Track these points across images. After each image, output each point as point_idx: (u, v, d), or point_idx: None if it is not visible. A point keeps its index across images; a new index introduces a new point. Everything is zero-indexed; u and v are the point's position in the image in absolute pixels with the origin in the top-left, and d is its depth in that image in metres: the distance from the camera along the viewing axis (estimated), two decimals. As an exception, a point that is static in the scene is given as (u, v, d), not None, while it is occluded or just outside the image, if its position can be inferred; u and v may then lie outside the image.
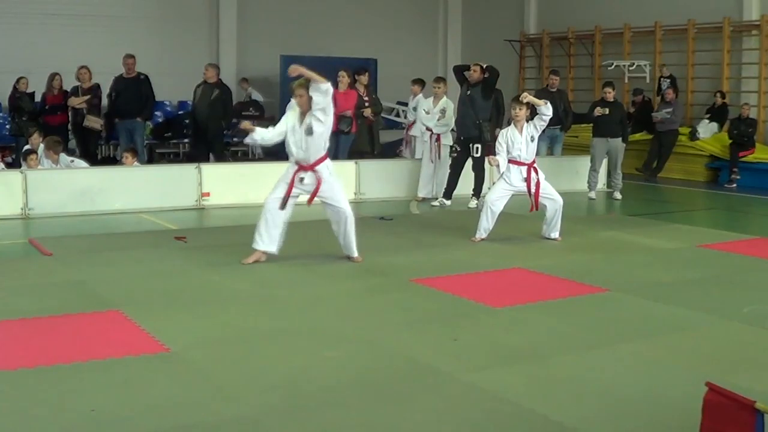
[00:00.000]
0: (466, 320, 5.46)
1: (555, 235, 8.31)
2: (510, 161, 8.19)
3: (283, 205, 6.94)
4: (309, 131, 6.86)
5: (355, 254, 7.19)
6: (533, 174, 8.14)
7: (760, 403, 2.91)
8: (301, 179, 6.96)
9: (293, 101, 7.13)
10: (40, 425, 3.68)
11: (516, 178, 8.17)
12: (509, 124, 8.42)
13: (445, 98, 11.25)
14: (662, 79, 15.11)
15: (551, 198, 8.21)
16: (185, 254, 7.45)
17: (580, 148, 14.39)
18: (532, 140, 8.19)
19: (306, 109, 6.91)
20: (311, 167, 6.95)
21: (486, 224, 8.21)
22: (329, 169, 7.05)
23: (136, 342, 4.86)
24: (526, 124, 8.18)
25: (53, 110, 12.54)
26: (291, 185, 6.95)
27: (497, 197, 8.22)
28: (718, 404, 3.04)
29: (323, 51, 16.98)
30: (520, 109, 8.14)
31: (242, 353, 4.72)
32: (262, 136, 7.00)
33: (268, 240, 6.99)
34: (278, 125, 7.05)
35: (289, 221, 7.09)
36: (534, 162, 8.21)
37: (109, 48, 14.73)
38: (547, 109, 8.09)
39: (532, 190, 8.13)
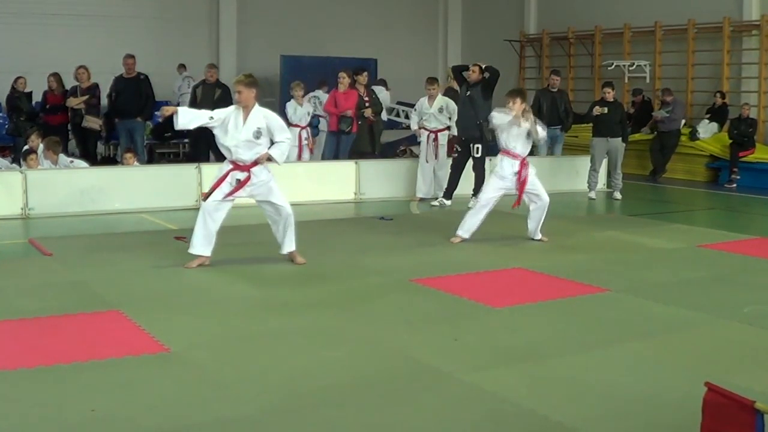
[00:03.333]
0: (466, 320, 5.45)
1: (539, 236, 8.25)
2: (503, 152, 8.14)
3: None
4: (257, 134, 6.71)
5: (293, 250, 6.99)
6: (523, 170, 8.08)
7: (760, 403, 2.91)
8: (237, 180, 6.78)
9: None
10: (40, 425, 3.68)
11: (508, 170, 8.07)
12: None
13: (440, 96, 11.26)
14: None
15: (537, 194, 8.16)
16: (185, 254, 7.43)
17: (580, 148, 14.39)
18: (529, 136, 8.13)
19: (248, 106, 6.74)
20: (248, 168, 6.76)
21: (471, 223, 8.10)
22: (267, 168, 6.83)
23: (136, 342, 4.86)
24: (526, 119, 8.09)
25: (53, 110, 12.53)
26: (222, 182, 6.80)
27: (490, 197, 8.15)
28: (718, 404, 3.04)
29: (323, 51, 17.00)
30: (513, 103, 8.01)
31: (242, 353, 4.72)
32: (189, 119, 6.76)
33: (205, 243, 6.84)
34: (216, 113, 6.83)
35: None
36: (526, 158, 8.16)
37: (108, 48, 14.75)
38: (538, 137, 8.22)
39: (518, 185, 8.11)
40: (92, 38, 15.92)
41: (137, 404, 3.91)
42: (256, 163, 6.76)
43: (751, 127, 13.76)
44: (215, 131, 6.81)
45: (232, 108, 6.87)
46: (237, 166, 6.78)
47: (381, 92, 15.51)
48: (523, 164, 8.09)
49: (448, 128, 11.25)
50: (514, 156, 8.09)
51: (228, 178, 6.79)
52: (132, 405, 3.90)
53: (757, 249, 8.03)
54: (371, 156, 12.09)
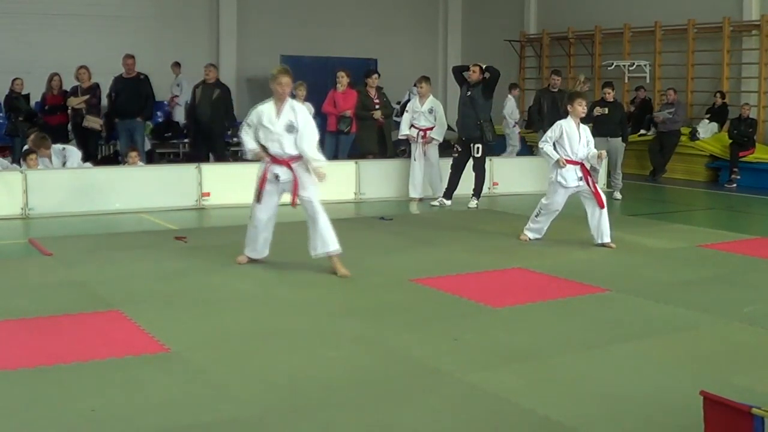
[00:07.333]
0: (466, 320, 5.46)
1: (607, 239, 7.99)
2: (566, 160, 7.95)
3: (258, 199, 6.74)
4: (290, 128, 6.56)
5: (334, 249, 6.65)
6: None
7: (757, 406, 2.92)
8: (276, 175, 6.69)
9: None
10: (40, 425, 3.68)
11: (571, 177, 7.97)
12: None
13: (431, 97, 11.21)
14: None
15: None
16: (185, 254, 7.44)
17: (580, 148, 14.36)
18: (588, 144, 8.10)
19: (284, 99, 6.59)
20: (287, 162, 6.64)
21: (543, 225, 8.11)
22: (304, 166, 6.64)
23: (136, 342, 4.86)
24: (582, 124, 8.04)
25: (53, 110, 12.54)
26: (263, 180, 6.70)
27: (560, 202, 8.06)
28: (716, 411, 3.06)
29: (323, 51, 16.99)
30: (579, 105, 7.99)
31: (242, 353, 4.72)
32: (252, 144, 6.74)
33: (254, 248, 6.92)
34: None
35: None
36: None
37: (108, 48, 14.74)
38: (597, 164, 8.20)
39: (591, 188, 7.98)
40: (92, 38, 15.89)
41: (137, 404, 3.91)
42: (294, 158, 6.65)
43: (751, 127, 13.77)
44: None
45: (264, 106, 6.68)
46: (275, 160, 6.69)
47: None
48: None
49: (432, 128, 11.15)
50: (575, 162, 8.05)
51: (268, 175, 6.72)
52: (132, 405, 3.90)
53: (757, 249, 8.03)
54: (381, 156, 12.02)
